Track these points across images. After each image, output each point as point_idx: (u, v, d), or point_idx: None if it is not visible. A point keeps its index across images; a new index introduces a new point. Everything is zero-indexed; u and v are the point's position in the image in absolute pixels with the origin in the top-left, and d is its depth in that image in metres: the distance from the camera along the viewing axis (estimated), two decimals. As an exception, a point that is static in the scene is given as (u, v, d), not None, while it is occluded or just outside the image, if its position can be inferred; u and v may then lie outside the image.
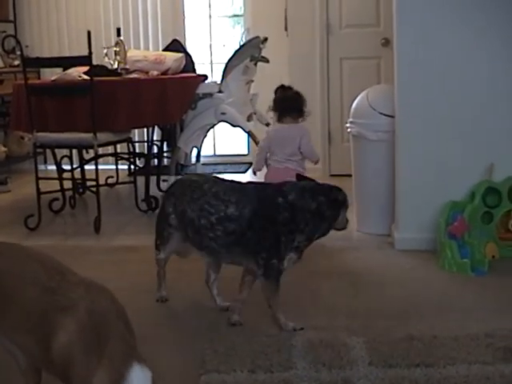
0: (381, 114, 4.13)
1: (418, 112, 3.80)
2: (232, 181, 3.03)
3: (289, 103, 4.24)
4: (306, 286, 3.31)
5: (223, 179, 3.05)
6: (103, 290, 1.98)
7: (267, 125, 5.22)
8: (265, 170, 4.42)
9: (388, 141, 4.05)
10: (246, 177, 6.49)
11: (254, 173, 4.42)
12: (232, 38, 7.71)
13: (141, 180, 5.06)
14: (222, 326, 2.85)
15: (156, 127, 5.73)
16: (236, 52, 5.35)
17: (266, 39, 5.39)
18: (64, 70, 5.02)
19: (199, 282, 3.39)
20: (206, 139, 5.83)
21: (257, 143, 4.94)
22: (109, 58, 5.40)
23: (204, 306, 3.07)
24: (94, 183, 4.64)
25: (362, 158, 4.28)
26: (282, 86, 4.40)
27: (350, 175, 4.46)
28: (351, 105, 4.40)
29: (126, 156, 5.63)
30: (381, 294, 3.17)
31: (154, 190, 5.32)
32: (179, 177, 4.84)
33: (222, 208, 2.79)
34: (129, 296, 3.23)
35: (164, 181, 5.54)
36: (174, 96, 4.85)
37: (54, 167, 5.29)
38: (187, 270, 3.60)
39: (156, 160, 5.96)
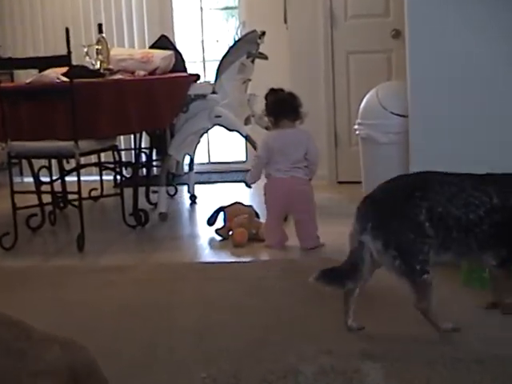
0: (392, 113, 4.14)
1: (433, 111, 3.80)
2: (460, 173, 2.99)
3: (283, 105, 4.27)
4: (314, 306, 3.30)
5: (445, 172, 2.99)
6: (79, 345, 1.88)
7: (267, 128, 5.23)
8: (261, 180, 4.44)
9: (400, 143, 4.06)
10: (243, 185, 6.50)
11: (249, 186, 4.43)
12: (226, 33, 7.74)
13: (128, 192, 5.06)
14: (222, 352, 2.84)
15: (144, 133, 5.74)
16: (231, 48, 5.36)
17: (263, 33, 5.40)
18: (40, 72, 5.03)
19: (195, 303, 3.39)
20: (199, 145, 5.84)
21: (256, 149, 4.95)
22: (90, 58, 5.40)
23: (201, 331, 3.06)
24: (76, 196, 4.64)
25: (372, 162, 4.29)
26: (273, 90, 4.44)
27: (359, 182, 4.47)
28: (359, 104, 4.42)
29: (112, 166, 5.63)
30: (398, 314, 3.16)
31: (142, 203, 5.32)
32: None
33: (486, 199, 2.79)
34: (118, 321, 3.24)
35: (154, 192, 5.55)
36: (163, 98, 4.85)
37: (31, 179, 5.29)
38: (180, 291, 3.60)
39: (144, 169, 5.96)
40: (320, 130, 6.07)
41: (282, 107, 4.28)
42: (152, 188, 5.66)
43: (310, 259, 4.11)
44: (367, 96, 4.36)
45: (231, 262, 4.14)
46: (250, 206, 4.68)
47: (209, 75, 7.02)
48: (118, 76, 5.10)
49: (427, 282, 2.80)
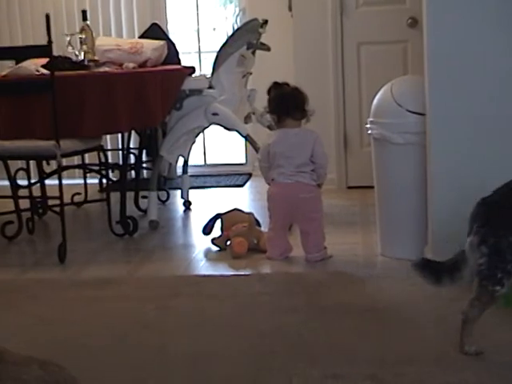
0: (409, 111, 4.13)
1: (454, 108, 3.79)
2: None
3: (287, 102, 4.28)
4: (319, 326, 3.30)
5: None
6: (59, 365, 1.91)
7: (269, 127, 5.22)
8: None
9: (418, 144, 4.05)
10: (244, 191, 6.50)
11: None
12: (224, 21, 7.74)
13: (115, 197, 5.06)
14: (218, 377, 2.84)
15: (133, 132, 5.74)
16: (229, 38, 5.35)
17: (265, 22, 5.40)
18: (17, 63, 5.03)
19: (188, 322, 3.39)
20: (194, 146, 5.84)
21: (257, 150, 4.95)
22: (73, 48, 5.40)
23: (196, 353, 3.05)
24: (57, 202, 4.64)
25: (386, 165, 4.28)
26: (276, 84, 4.43)
27: (371, 187, 4.46)
28: (372, 101, 4.41)
29: (97, 168, 5.62)
30: (413, 335, 3.16)
31: (131, 209, 5.32)
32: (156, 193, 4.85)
33: None
34: (103, 342, 3.23)
35: (144, 197, 5.54)
36: (154, 94, 4.85)
37: (6, 183, 5.28)
38: (172, 307, 3.59)
39: (133, 172, 5.95)
40: (328, 129, 6.06)
41: (286, 104, 4.28)
42: (141, 193, 5.65)
43: (317, 273, 4.11)
44: (380, 92, 4.35)
45: (229, 276, 4.14)
46: (251, 213, 4.67)
47: (205, 68, 7.02)
48: (104, 68, 5.10)
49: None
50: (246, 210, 4.92)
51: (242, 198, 6.21)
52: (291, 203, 4.25)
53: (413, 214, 4.17)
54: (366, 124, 4.41)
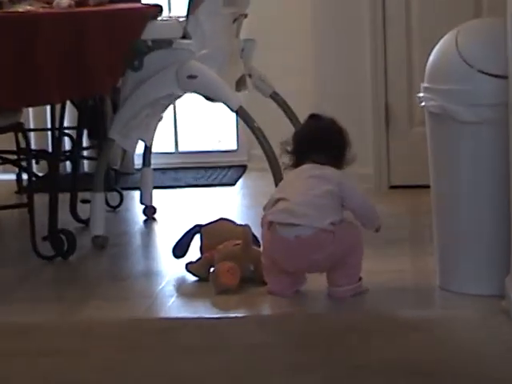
0: (483, 73, 4.13)
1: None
2: None
3: (320, 139, 4.28)
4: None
5: None
6: None
7: (273, 98, 5.21)
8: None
9: (498, 122, 4.05)
10: (235, 192, 6.50)
11: None
12: None
13: (41, 201, 5.06)
14: None
15: (68, 104, 5.73)
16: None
17: None
18: None
19: (163, 369, 3.39)
20: (160, 125, 5.82)
21: (253, 129, 4.94)
22: (-22, -24, 5.42)
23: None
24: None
25: (448, 155, 4.28)
26: (313, 116, 4.43)
27: (425, 187, 4.46)
28: (427, 58, 4.40)
29: (13, 157, 5.62)
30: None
31: (66, 220, 5.32)
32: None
33: None
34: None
35: (84, 202, 5.53)
36: (100, 46, 4.85)
37: None
38: (128, 368, 3.59)
39: (69, 164, 5.94)
40: (363, 101, 6.05)
41: (316, 142, 4.29)
42: (81, 195, 5.65)
43: (345, 315, 4.11)
44: (440, 44, 4.34)
45: (214, 319, 4.13)
46: (245, 226, 4.63)
47: (176, 8, 7.02)
48: (24, 7, 5.10)
49: None
50: (239, 220, 4.91)
51: (233, 203, 6.22)
52: (302, 267, 4.27)
53: (489, 229, 4.16)
54: (419, 93, 4.41)
